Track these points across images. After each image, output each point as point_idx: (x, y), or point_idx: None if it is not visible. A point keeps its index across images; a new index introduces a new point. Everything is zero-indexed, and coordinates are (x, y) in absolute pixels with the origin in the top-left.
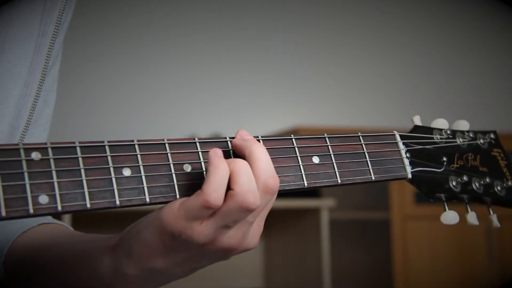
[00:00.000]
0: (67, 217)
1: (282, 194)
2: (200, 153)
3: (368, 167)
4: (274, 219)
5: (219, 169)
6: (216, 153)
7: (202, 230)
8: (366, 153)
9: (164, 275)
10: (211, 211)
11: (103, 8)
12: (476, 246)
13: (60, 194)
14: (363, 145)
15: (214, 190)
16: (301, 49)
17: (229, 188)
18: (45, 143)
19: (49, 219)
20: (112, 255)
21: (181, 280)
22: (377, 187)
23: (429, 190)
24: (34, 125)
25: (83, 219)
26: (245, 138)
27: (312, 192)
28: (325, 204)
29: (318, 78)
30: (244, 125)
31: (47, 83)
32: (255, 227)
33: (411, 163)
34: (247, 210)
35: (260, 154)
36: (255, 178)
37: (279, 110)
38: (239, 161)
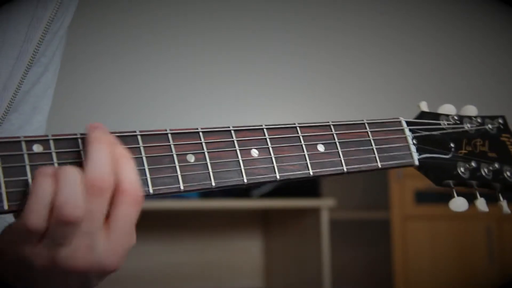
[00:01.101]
0: None
1: (283, 193)
2: (203, 143)
3: (374, 154)
4: (274, 219)
5: (35, 188)
6: (39, 171)
7: (34, 253)
8: (372, 141)
9: None
10: (35, 235)
11: (103, 8)
12: (476, 246)
13: None
14: (369, 132)
15: (30, 212)
16: (301, 48)
17: None
18: (47, 136)
19: None
20: None
21: (181, 280)
22: (377, 187)
23: (436, 177)
24: (19, 130)
25: None
26: (91, 129)
27: (312, 192)
28: (325, 204)
29: (318, 77)
30: (244, 124)
31: (37, 90)
32: (113, 243)
33: (418, 150)
34: (69, 223)
35: (92, 152)
36: (84, 181)
37: (279, 109)
38: (62, 169)
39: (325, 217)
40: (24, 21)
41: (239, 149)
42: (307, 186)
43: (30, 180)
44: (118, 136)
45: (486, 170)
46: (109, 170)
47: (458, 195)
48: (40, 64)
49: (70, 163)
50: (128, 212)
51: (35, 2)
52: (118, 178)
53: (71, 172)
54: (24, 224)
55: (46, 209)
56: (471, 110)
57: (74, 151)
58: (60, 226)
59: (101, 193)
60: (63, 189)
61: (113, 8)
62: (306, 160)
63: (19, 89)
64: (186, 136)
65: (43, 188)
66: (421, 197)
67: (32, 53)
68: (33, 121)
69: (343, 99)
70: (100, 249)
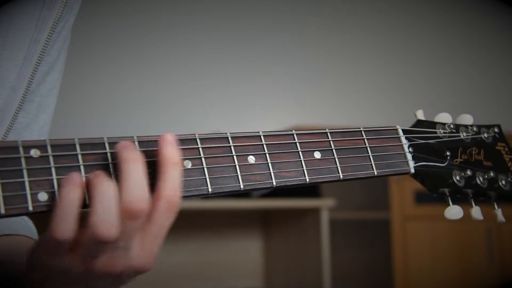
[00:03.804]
0: None
1: (283, 193)
2: (200, 149)
3: (371, 162)
4: (274, 219)
5: (64, 199)
6: (69, 180)
7: (69, 262)
8: (368, 148)
9: None
10: (64, 245)
11: (103, 8)
12: (476, 246)
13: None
14: (365, 139)
15: (58, 223)
16: (302, 48)
17: None
18: (44, 140)
19: (15, 228)
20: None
21: (181, 280)
22: (377, 187)
23: (432, 185)
24: (26, 129)
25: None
26: (122, 148)
27: (312, 192)
28: (325, 204)
29: (318, 77)
30: (244, 124)
31: (43, 89)
32: (146, 247)
33: (414, 158)
34: (102, 242)
35: (128, 173)
36: (121, 204)
37: (279, 109)
38: (99, 184)
39: (325, 217)
40: (30, 23)
41: (236, 155)
42: (307, 186)
43: (27, 182)
44: (114, 142)
45: (481, 178)
46: (146, 192)
47: (454, 202)
48: (45, 63)
49: (68, 168)
50: (163, 218)
51: (40, 3)
52: (157, 183)
53: (107, 189)
54: (51, 235)
55: (72, 218)
56: (467, 119)
57: (72, 154)
58: (94, 244)
59: (138, 216)
60: (98, 206)
61: (113, 8)
62: (302, 167)
63: (28, 90)
64: (183, 142)
65: (68, 198)
66: (421, 197)
67: (40, 53)
68: (39, 120)
69: (341, 104)
70: (134, 254)
